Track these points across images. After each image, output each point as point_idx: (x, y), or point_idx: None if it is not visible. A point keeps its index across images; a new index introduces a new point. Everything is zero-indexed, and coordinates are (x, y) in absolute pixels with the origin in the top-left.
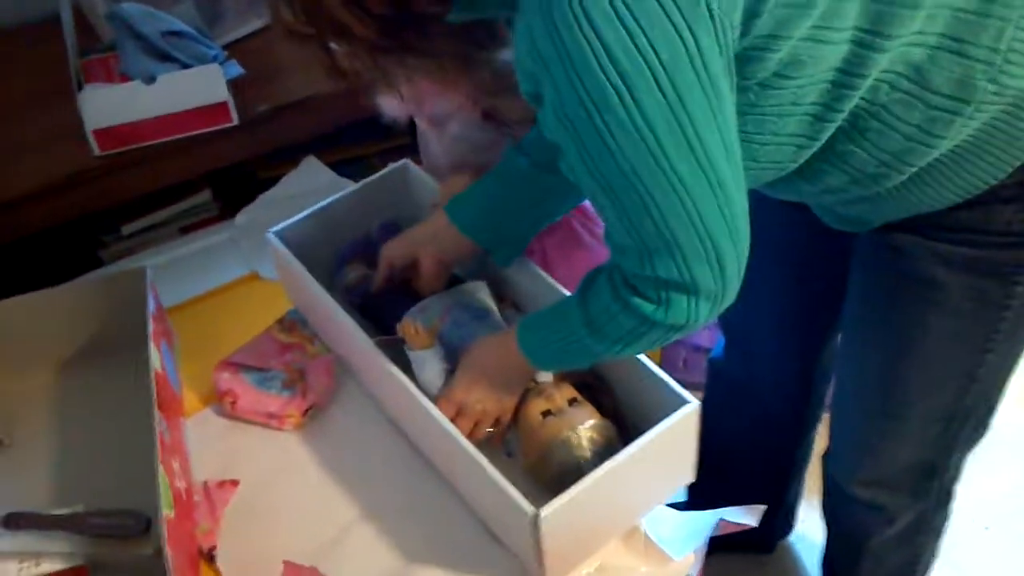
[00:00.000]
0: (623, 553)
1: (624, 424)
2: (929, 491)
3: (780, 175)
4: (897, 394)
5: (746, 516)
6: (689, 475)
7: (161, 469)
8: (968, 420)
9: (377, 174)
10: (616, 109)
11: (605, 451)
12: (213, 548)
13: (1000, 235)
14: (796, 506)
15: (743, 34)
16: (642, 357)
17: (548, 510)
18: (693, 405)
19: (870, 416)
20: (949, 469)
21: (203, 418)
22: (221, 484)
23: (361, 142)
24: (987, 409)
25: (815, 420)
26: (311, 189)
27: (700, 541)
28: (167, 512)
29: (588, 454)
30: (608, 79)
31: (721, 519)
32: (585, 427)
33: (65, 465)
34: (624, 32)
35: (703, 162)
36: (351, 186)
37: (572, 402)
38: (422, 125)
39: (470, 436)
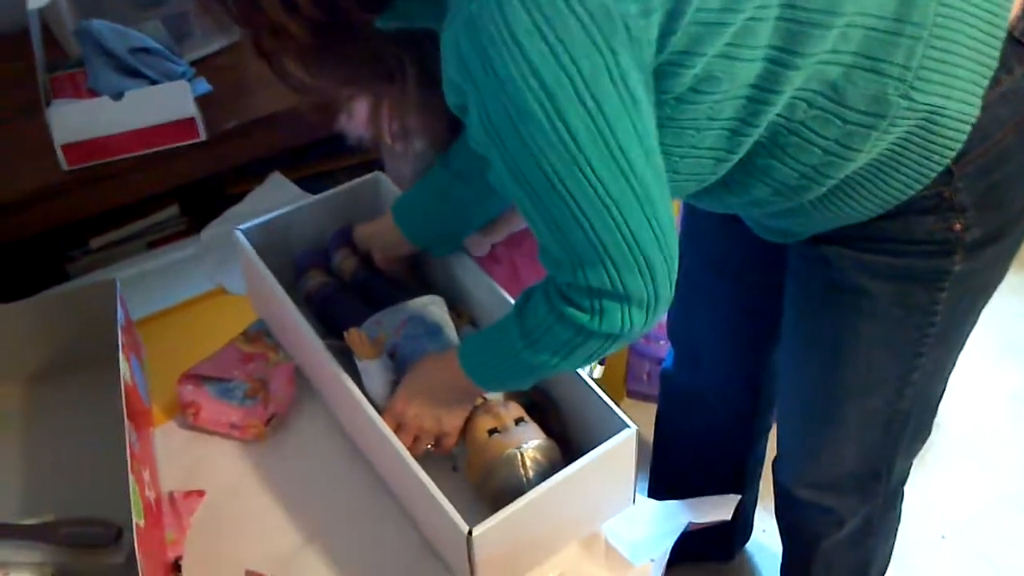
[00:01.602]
0: (583, 559)
1: (570, 445)
2: (876, 493)
3: (703, 187)
4: (835, 400)
5: (719, 508)
6: (629, 499)
7: (132, 479)
8: (908, 423)
9: (348, 183)
10: (540, 120)
11: (548, 471)
12: (179, 558)
13: (921, 244)
14: (753, 513)
15: (659, 50)
16: (588, 380)
17: (481, 529)
18: (630, 431)
19: (811, 421)
20: (894, 471)
21: (168, 429)
22: (187, 494)
23: (328, 158)
24: (925, 412)
25: (766, 427)
26: (277, 205)
27: (669, 543)
28: (138, 521)
29: (531, 474)
30: (531, 92)
31: (691, 521)
32: (529, 447)
33: (35, 475)
34: (547, 48)
35: (626, 171)
36: (323, 193)
37: (519, 421)
38: (387, 140)
39: (409, 450)
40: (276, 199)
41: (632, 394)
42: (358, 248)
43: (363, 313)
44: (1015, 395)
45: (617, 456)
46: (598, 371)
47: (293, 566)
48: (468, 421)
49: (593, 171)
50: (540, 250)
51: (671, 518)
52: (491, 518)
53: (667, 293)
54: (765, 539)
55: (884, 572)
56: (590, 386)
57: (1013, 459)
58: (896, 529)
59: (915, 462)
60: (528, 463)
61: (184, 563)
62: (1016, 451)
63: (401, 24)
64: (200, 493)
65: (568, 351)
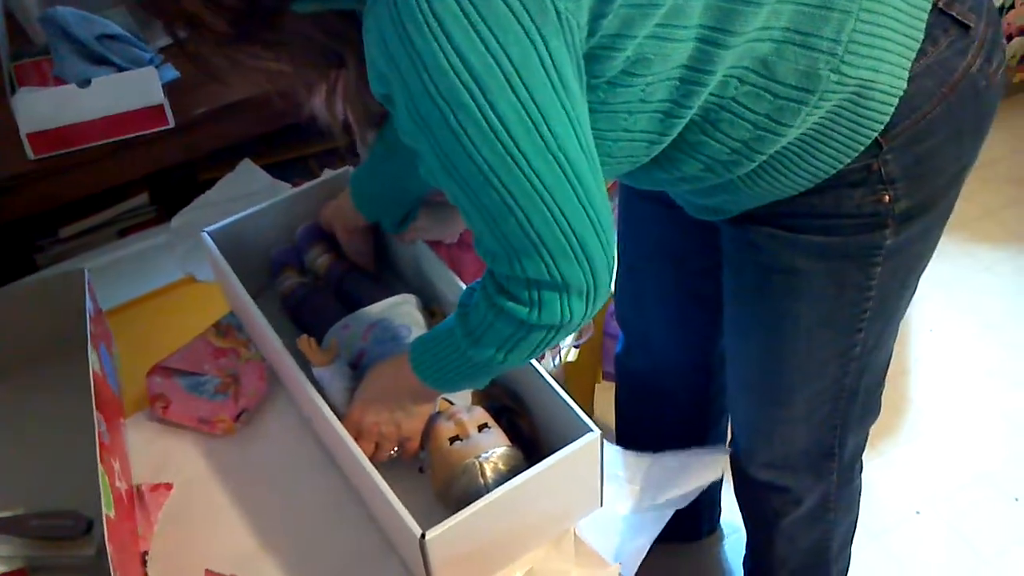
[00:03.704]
0: (554, 557)
1: (540, 449)
2: (830, 470)
3: (635, 167)
4: (780, 382)
5: (707, 468)
6: (596, 501)
7: (102, 470)
8: (855, 399)
9: (316, 180)
10: (470, 109)
11: (509, 480)
12: (145, 552)
13: (851, 217)
14: (719, 493)
15: (590, 34)
16: (552, 382)
17: (434, 532)
18: (594, 434)
19: (759, 404)
20: (847, 447)
21: (136, 421)
22: (154, 487)
23: (299, 144)
24: (872, 385)
25: (722, 408)
26: (247, 192)
27: (646, 542)
28: (108, 512)
29: (490, 483)
30: (460, 80)
31: (680, 498)
32: (490, 456)
33: (3, 467)
34: (474, 34)
35: (560, 159)
36: (290, 191)
37: (482, 428)
38: (341, 126)
39: (372, 457)
40: (246, 186)
41: (608, 376)
42: (328, 240)
43: (335, 315)
44: (990, 372)
45: (581, 459)
46: (573, 354)
47: (256, 563)
48: (430, 429)
49: (527, 161)
50: (475, 242)
51: (648, 527)
52: (445, 522)
53: (606, 280)
54: (733, 517)
55: (850, 543)
56: (554, 388)
57: (988, 436)
58: (857, 501)
59: (890, 438)
60: (488, 472)
61: (149, 558)
62: (991, 428)
63: (318, 7)
64: (168, 486)
65: (512, 345)
